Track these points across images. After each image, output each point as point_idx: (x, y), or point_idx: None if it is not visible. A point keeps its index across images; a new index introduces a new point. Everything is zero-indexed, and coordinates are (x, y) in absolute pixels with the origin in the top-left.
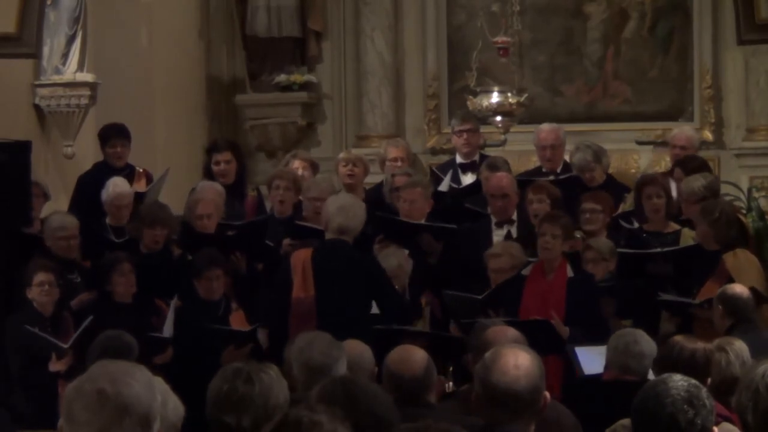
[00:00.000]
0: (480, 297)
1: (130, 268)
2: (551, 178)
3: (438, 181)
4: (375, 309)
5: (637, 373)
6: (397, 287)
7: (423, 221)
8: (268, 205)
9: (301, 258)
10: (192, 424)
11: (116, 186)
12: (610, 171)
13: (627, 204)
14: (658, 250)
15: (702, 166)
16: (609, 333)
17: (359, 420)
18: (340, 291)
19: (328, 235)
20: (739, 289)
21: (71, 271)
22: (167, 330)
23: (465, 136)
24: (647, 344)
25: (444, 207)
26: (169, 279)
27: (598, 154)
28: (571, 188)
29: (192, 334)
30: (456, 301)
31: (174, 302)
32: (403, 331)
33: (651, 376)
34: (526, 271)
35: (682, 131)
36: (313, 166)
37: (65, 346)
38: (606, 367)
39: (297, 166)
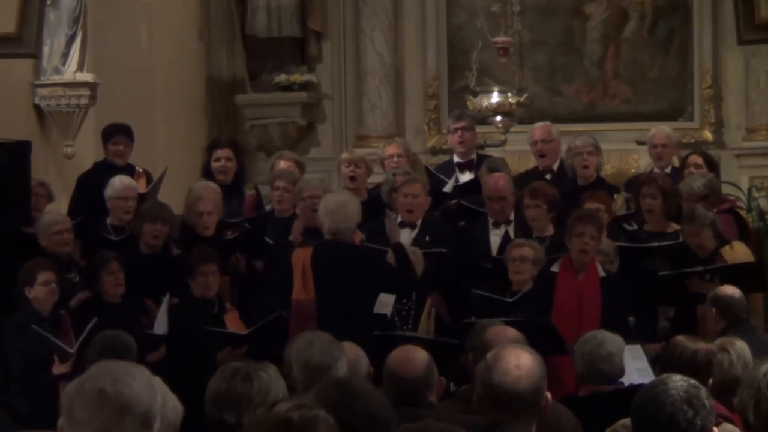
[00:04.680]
0: (510, 300)
1: (119, 267)
2: (548, 177)
3: (433, 179)
4: (374, 309)
5: (612, 374)
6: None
7: (419, 222)
8: (267, 205)
9: (301, 259)
10: (188, 423)
11: (122, 179)
12: (610, 171)
13: (618, 205)
14: (656, 244)
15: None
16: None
17: (356, 421)
18: (340, 292)
19: (325, 236)
20: (731, 290)
21: (69, 271)
22: (160, 327)
23: (460, 133)
24: (612, 342)
25: (445, 207)
26: (166, 278)
27: (598, 147)
28: (566, 186)
29: (187, 334)
30: (483, 301)
31: (167, 299)
32: (402, 336)
33: (627, 368)
34: (555, 267)
35: (660, 130)
36: (300, 166)
37: (71, 350)
38: (580, 380)
39: (283, 166)
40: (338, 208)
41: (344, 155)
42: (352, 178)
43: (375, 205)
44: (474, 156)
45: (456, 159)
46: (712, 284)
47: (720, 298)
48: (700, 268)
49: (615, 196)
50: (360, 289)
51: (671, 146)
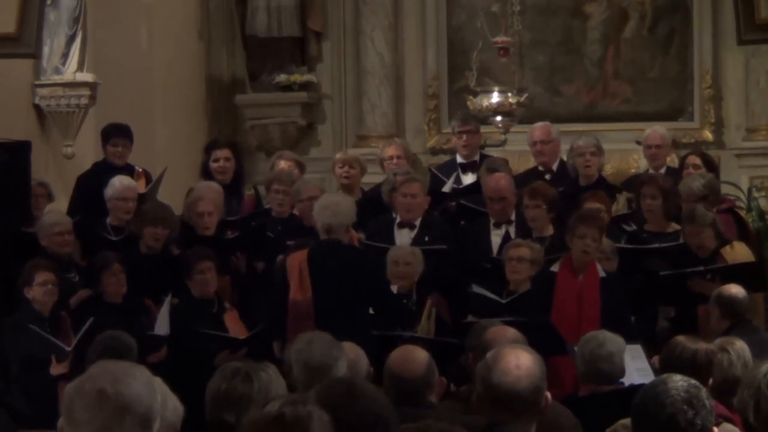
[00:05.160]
0: (504, 301)
1: (120, 269)
2: (548, 177)
3: (436, 180)
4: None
5: (612, 374)
6: (405, 285)
7: (418, 222)
8: (266, 205)
9: (297, 260)
10: (188, 423)
11: (122, 180)
12: (611, 171)
13: (620, 205)
14: (657, 245)
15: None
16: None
17: (358, 420)
18: (337, 291)
19: (321, 236)
20: (735, 290)
21: (69, 271)
22: (161, 328)
23: (465, 137)
24: (612, 342)
25: (444, 207)
26: (166, 278)
27: (601, 147)
28: (567, 186)
29: (187, 335)
30: (479, 300)
31: (168, 299)
32: (401, 336)
33: (627, 368)
34: (555, 267)
35: (654, 131)
36: (300, 166)
37: (68, 348)
38: (580, 379)
39: (283, 166)
40: (330, 204)
41: (338, 155)
42: (346, 178)
43: (371, 205)
44: (477, 157)
45: (459, 159)
46: (713, 284)
47: (724, 298)
48: (701, 268)
49: (617, 196)
50: (356, 289)
51: (665, 147)
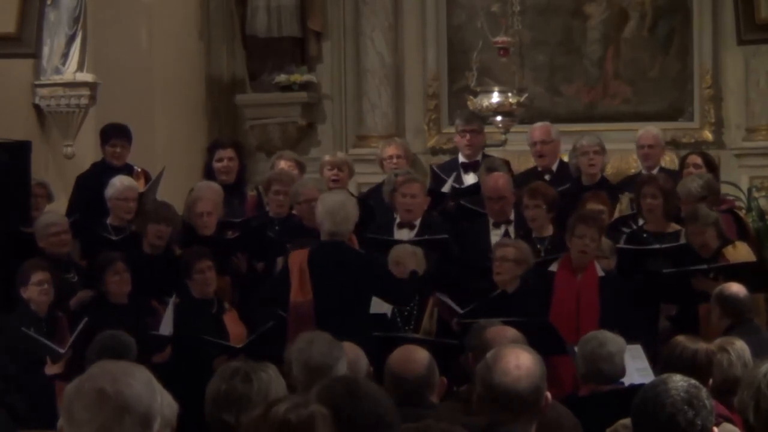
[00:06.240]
0: (462, 311)
1: (124, 268)
2: (547, 177)
3: (438, 179)
4: (372, 309)
5: (613, 374)
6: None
7: (418, 222)
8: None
9: (297, 260)
10: (188, 423)
11: (123, 180)
12: (611, 171)
13: (624, 205)
14: (657, 246)
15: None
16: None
17: (361, 419)
18: (338, 293)
19: (323, 237)
20: (736, 288)
21: (67, 271)
22: (166, 328)
23: (468, 136)
24: (613, 342)
25: (444, 207)
26: (169, 278)
27: (604, 147)
28: (569, 186)
29: (187, 336)
30: (445, 307)
31: (173, 300)
32: (402, 337)
33: (628, 368)
34: (553, 267)
35: (647, 131)
36: (300, 166)
37: (62, 351)
38: (580, 379)
39: (283, 166)
40: (339, 208)
41: (326, 158)
42: (335, 181)
43: (363, 206)
44: (480, 157)
45: (461, 159)
46: (716, 282)
47: (724, 297)
48: (705, 266)
49: (620, 196)
50: (358, 290)
51: (658, 147)
